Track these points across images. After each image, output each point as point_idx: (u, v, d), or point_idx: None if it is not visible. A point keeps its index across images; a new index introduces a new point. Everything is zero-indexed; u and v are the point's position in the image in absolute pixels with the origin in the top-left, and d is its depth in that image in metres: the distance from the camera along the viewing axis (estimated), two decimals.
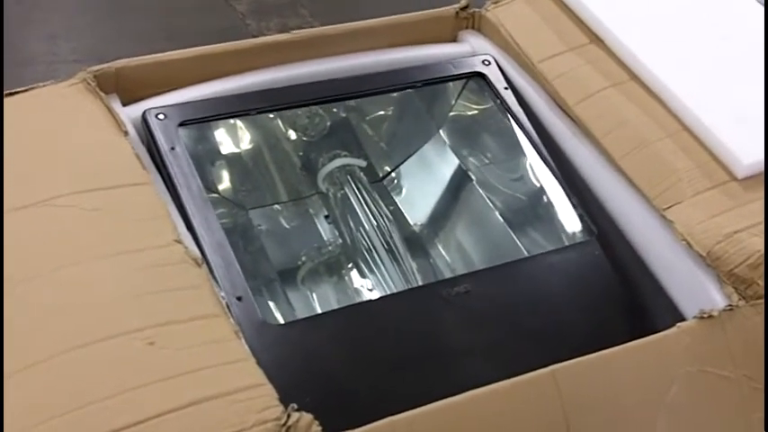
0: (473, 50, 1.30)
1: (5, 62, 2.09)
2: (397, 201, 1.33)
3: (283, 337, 0.93)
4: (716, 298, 0.97)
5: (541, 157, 1.17)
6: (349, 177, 1.26)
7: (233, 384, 0.79)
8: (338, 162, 1.26)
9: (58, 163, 1.00)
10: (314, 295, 1.24)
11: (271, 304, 1.16)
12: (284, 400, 0.79)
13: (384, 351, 0.95)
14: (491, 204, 1.26)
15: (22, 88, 1.10)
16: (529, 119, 1.20)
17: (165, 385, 0.79)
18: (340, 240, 1.26)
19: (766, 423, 0.91)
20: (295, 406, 0.77)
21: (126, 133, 1.05)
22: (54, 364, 0.79)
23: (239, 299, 0.94)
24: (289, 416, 0.76)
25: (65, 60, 1.98)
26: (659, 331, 0.93)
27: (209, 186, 1.20)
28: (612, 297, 1.06)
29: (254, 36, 1.23)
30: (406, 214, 1.31)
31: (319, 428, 0.76)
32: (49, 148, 1.02)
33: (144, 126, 1.09)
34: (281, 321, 1.11)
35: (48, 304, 0.84)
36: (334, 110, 1.30)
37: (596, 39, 1.24)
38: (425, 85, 1.26)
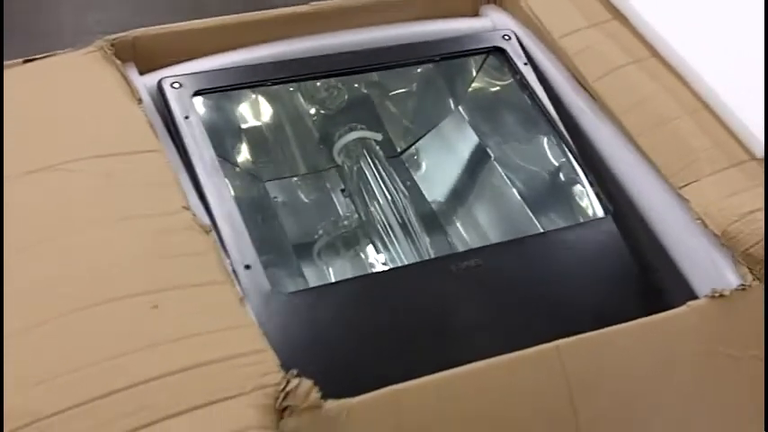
0: (494, 25, 1.28)
1: (32, 33, 2.11)
2: (414, 177, 1.33)
3: (290, 305, 0.93)
4: (730, 278, 0.95)
5: (559, 135, 1.16)
6: (365, 151, 1.25)
7: (234, 350, 0.79)
8: (354, 135, 1.25)
9: (68, 129, 1.00)
10: (330, 270, 1.24)
11: (284, 276, 1.15)
12: (287, 368, 0.79)
13: (390, 322, 0.94)
14: (509, 182, 1.25)
15: (40, 55, 1.10)
16: (548, 95, 1.19)
17: (166, 348, 0.79)
18: (356, 215, 1.25)
19: (766, 423, 0.90)
20: (295, 372, 0.77)
21: (140, 101, 1.05)
22: (54, 326, 0.79)
23: (247, 267, 0.93)
24: (288, 381, 0.76)
25: (91, 32, 1.99)
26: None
27: (226, 157, 1.20)
28: (626, 275, 1.04)
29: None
30: (423, 191, 1.31)
31: (319, 394, 0.76)
32: (61, 114, 1.02)
33: (159, 94, 1.09)
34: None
35: (52, 267, 0.85)
36: (352, 84, 1.29)
37: (618, 15, 1.22)
38: (444, 59, 1.25)
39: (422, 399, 0.81)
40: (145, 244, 0.88)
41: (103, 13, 2.24)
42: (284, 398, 0.75)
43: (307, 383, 0.76)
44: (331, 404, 0.77)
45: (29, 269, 0.84)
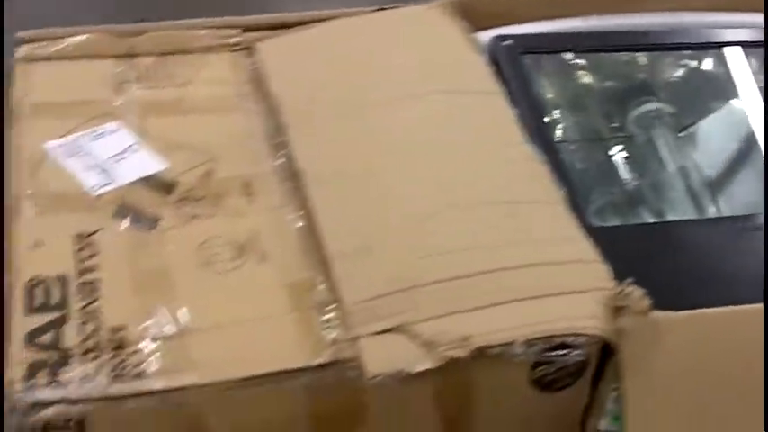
0: None
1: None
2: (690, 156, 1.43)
3: (605, 237, 1.04)
4: None
5: None
6: (656, 122, 1.37)
7: (576, 256, 0.95)
8: (649, 106, 1.38)
9: (421, 67, 1.19)
10: None
11: None
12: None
13: (680, 266, 1.04)
14: None
15: (389, 5, 1.29)
16: None
17: (521, 247, 0.95)
18: (638, 182, 1.36)
19: (766, 423, 0.94)
20: (630, 280, 0.91)
21: (480, 52, 1.21)
22: (442, 217, 0.98)
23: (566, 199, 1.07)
24: (625, 286, 0.90)
25: None
26: None
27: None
28: None
29: None
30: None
31: (650, 302, 0.89)
32: (413, 56, 1.21)
33: (491, 51, 1.25)
34: None
35: (427, 173, 1.04)
36: (644, 60, 1.42)
37: None
38: (734, 46, 1.36)
39: (731, 323, 0.93)
40: (498, 166, 1.05)
41: None
42: (621, 299, 0.89)
43: (640, 291, 0.90)
44: (658, 313, 0.90)
45: (410, 176, 1.04)
